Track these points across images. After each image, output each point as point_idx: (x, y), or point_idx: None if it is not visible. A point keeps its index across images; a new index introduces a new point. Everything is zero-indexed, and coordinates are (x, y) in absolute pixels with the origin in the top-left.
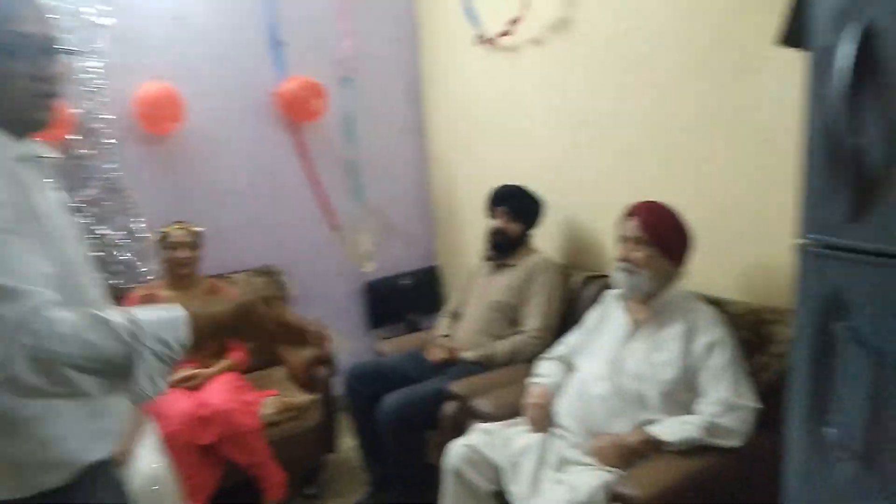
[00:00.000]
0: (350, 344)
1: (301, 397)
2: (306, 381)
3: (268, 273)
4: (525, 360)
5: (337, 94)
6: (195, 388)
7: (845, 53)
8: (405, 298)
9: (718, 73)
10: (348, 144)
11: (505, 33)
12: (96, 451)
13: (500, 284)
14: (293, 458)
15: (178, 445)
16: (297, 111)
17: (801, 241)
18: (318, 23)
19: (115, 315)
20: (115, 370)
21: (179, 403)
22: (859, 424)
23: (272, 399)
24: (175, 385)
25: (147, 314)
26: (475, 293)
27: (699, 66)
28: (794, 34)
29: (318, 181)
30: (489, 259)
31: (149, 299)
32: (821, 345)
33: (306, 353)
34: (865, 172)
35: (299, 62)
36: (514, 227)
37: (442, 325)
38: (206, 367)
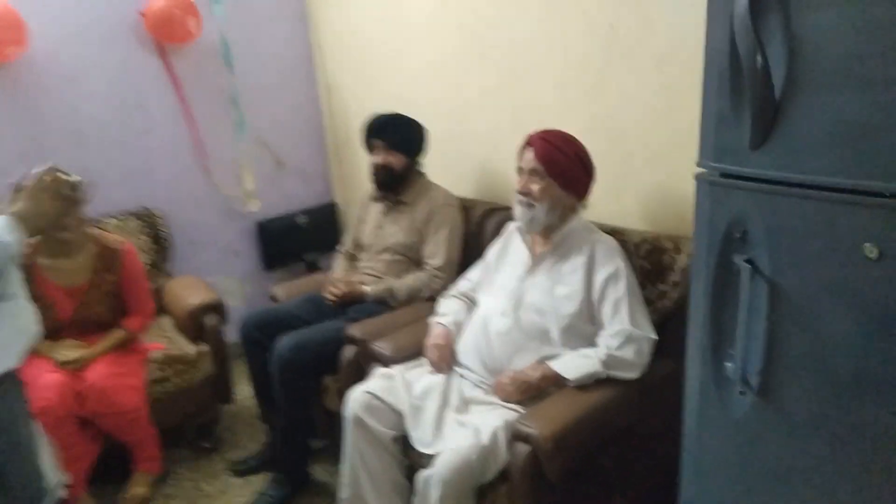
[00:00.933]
0: (242, 288)
1: (188, 349)
2: (195, 330)
3: (145, 216)
4: (427, 297)
5: (211, 15)
6: (80, 369)
7: None
8: (302, 237)
9: None
10: (227, 71)
11: None
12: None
13: (399, 225)
14: (185, 412)
15: (53, 418)
16: (168, 32)
17: (701, 169)
18: None
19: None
20: None
21: (55, 375)
22: (757, 358)
23: (158, 354)
24: (60, 367)
25: None
26: (374, 234)
27: None
28: None
29: (191, 114)
30: (380, 199)
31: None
32: (719, 277)
33: (193, 300)
34: (769, 96)
35: None
36: (396, 160)
37: (339, 265)
38: (97, 340)
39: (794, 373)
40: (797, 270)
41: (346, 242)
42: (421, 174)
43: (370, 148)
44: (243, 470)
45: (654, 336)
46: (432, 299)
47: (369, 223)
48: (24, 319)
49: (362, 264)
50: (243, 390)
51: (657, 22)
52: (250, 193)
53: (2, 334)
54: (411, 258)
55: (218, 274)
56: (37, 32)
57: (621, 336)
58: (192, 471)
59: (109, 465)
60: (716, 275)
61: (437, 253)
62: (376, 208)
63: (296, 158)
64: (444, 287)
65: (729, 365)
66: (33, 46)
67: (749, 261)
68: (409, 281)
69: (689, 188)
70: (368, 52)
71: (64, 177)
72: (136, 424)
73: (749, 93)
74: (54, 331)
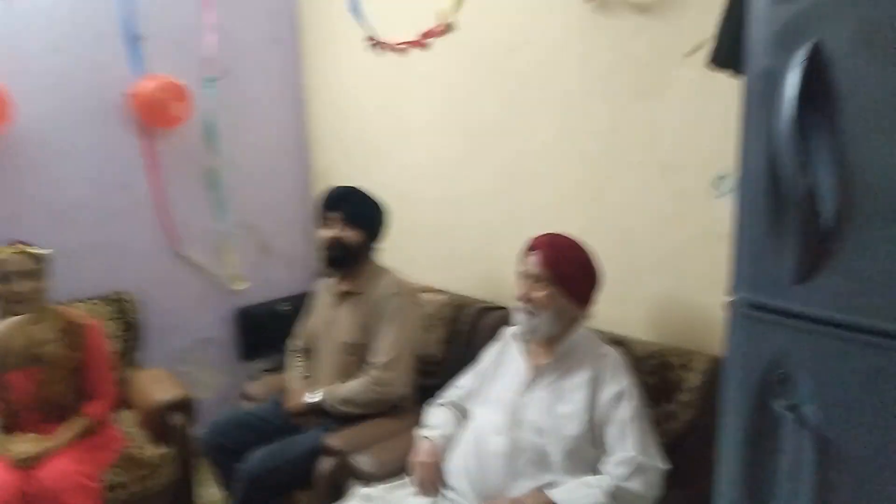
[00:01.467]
0: (216, 380)
1: (151, 451)
2: (159, 428)
3: (117, 300)
4: (374, 407)
5: (201, 97)
6: (33, 467)
7: (794, 81)
8: (284, 326)
9: (619, 95)
10: (209, 152)
11: (413, 42)
12: None
13: (349, 320)
14: None
15: None
16: (154, 115)
17: (733, 299)
18: (182, 16)
19: None
20: None
21: (1, 476)
22: None
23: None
24: (14, 465)
25: None
26: (325, 329)
27: (597, 86)
28: (726, 54)
29: (164, 196)
30: (327, 275)
31: None
32: (755, 424)
33: (158, 397)
34: (816, 225)
35: (160, 59)
36: (351, 236)
37: (292, 367)
38: (55, 428)
39: None
40: (850, 423)
41: (299, 336)
42: (372, 261)
43: (324, 221)
44: None
45: (664, 466)
46: (386, 407)
47: (319, 316)
48: None
49: (317, 363)
50: (211, 493)
51: (662, 129)
52: (236, 275)
53: None
54: (363, 357)
55: (191, 363)
56: (23, 107)
57: (629, 465)
58: None
59: None
60: (750, 421)
61: (380, 350)
62: (326, 300)
63: (282, 243)
64: (394, 391)
65: None
66: (19, 121)
67: (792, 408)
68: (346, 388)
69: (699, 298)
70: (365, 141)
71: (29, 249)
72: None
73: (793, 220)
74: (11, 415)
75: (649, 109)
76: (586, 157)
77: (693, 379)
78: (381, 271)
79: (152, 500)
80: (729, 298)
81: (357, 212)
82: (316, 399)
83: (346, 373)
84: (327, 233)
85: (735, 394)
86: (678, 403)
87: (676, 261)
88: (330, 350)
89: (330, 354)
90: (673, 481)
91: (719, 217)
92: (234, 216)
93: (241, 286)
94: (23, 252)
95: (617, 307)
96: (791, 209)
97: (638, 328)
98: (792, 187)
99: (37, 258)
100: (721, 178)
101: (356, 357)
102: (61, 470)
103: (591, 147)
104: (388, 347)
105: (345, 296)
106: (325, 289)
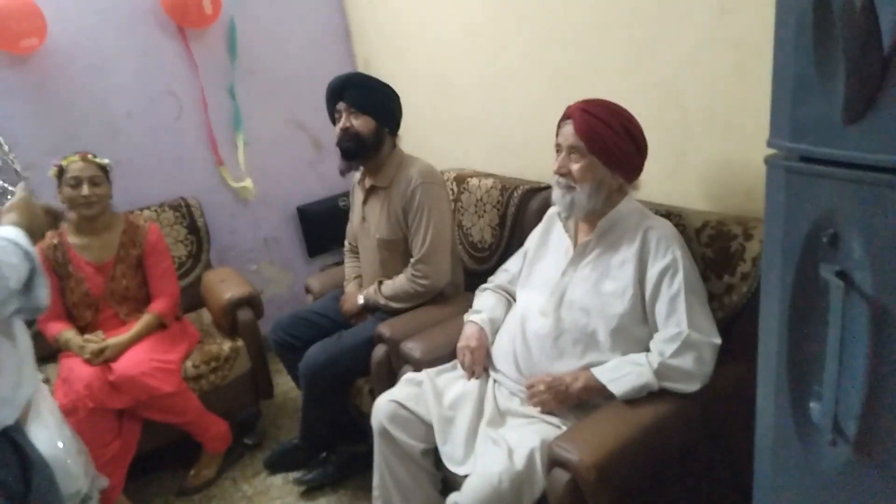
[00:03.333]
0: (283, 276)
1: (223, 345)
2: (230, 324)
3: (180, 207)
4: (419, 299)
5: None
6: (108, 360)
7: None
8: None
9: None
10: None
11: None
12: (11, 416)
13: (379, 216)
14: (225, 410)
15: (83, 413)
16: (183, 14)
17: (773, 150)
18: None
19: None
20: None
21: (82, 369)
22: (855, 399)
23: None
24: (88, 361)
25: (7, 232)
26: (361, 227)
27: None
28: None
29: (204, 103)
30: (347, 169)
31: (56, 249)
32: (800, 293)
33: (227, 294)
34: (874, 48)
35: None
36: (363, 123)
37: (348, 266)
38: (123, 325)
39: None
40: None
41: (349, 235)
42: (396, 151)
43: (334, 114)
44: (277, 466)
45: (717, 340)
46: (429, 299)
47: (356, 214)
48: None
49: (363, 261)
50: (286, 382)
51: None
52: (242, 176)
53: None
54: (403, 250)
55: (260, 262)
56: (54, 22)
57: (677, 340)
58: (234, 470)
59: (183, 447)
60: (795, 290)
61: (416, 243)
62: (358, 196)
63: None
64: (435, 283)
65: (815, 406)
66: (52, 37)
67: (842, 273)
68: (390, 286)
69: (759, 158)
70: (405, 21)
71: (93, 159)
72: (182, 406)
73: (844, 45)
74: (89, 307)
75: None
76: (631, 8)
77: (754, 248)
78: (407, 162)
79: (230, 389)
80: (768, 151)
81: (362, 97)
82: (369, 298)
83: (388, 268)
84: (339, 125)
85: (776, 258)
86: (738, 276)
87: (736, 118)
88: (369, 247)
89: (370, 252)
90: (732, 357)
91: None
92: (283, 115)
93: (247, 193)
94: (89, 160)
95: (669, 176)
96: (842, 26)
97: (693, 198)
98: (842, 3)
99: (101, 166)
100: None
101: (394, 252)
102: (138, 358)
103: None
104: (421, 240)
105: (372, 190)
106: (357, 185)
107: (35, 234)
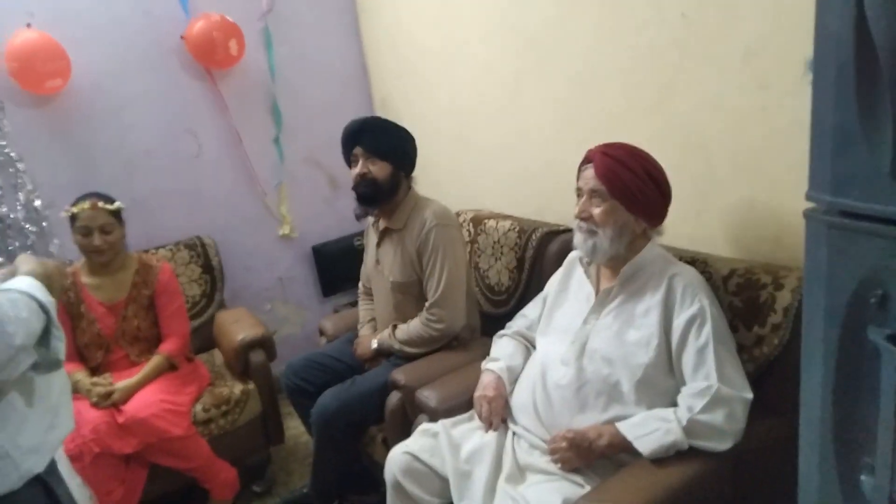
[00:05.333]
0: (298, 316)
1: (235, 388)
2: (242, 366)
3: (196, 244)
4: (434, 344)
5: (255, 34)
6: (115, 403)
7: None
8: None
9: None
10: (270, 91)
11: None
12: (42, 463)
13: (393, 259)
14: (234, 455)
15: (88, 459)
16: (210, 55)
17: (812, 204)
18: None
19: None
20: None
21: (89, 412)
22: None
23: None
24: (95, 405)
25: (21, 283)
26: (375, 270)
27: None
28: None
29: (239, 137)
30: (363, 214)
31: (68, 290)
32: (846, 356)
33: (240, 336)
34: None
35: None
36: (380, 169)
37: (362, 309)
38: (134, 367)
39: None
40: None
41: (363, 277)
42: (411, 193)
43: (350, 160)
44: None
45: (749, 395)
46: (442, 345)
47: (370, 256)
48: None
49: (377, 304)
50: (297, 426)
51: (741, 5)
52: (284, 218)
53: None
54: (416, 293)
55: (274, 300)
56: (78, 64)
57: (707, 395)
58: None
59: (190, 494)
60: (840, 352)
61: (430, 287)
62: (372, 239)
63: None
64: (450, 326)
65: (866, 479)
66: (76, 78)
67: (893, 337)
68: (404, 330)
69: (789, 204)
70: (419, 67)
71: (104, 206)
72: (191, 451)
73: (890, 90)
74: (100, 347)
75: None
76: (653, 52)
77: (784, 298)
78: (421, 203)
79: (243, 433)
80: (807, 205)
81: (379, 143)
82: (384, 343)
83: (402, 312)
84: (354, 170)
85: (819, 322)
86: (768, 327)
87: (760, 162)
88: (383, 290)
89: (384, 295)
90: (763, 412)
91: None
92: (300, 153)
93: (285, 230)
94: (99, 208)
95: (692, 221)
96: (886, 75)
97: (718, 244)
98: (888, 45)
99: (107, 212)
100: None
101: (408, 295)
102: (147, 400)
103: (659, 38)
104: (436, 283)
105: (386, 233)
106: (371, 227)
107: (54, 289)
